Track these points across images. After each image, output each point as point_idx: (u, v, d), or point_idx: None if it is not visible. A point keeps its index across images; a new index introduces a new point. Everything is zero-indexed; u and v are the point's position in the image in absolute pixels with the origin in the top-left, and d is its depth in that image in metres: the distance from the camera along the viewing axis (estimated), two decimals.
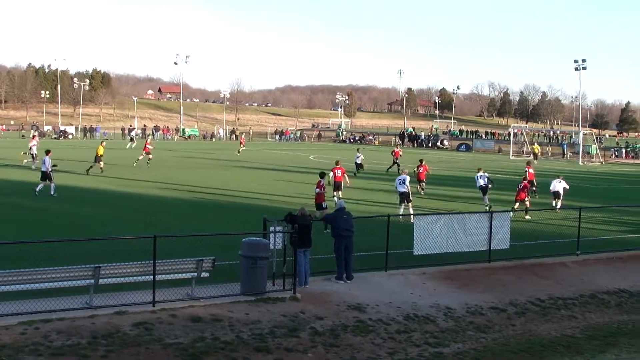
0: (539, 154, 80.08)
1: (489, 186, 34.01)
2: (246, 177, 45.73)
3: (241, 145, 76.50)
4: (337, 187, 33.22)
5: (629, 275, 21.19)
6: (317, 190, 26.44)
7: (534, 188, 36.38)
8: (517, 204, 30.78)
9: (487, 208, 29.48)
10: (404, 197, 29.54)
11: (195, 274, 15.51)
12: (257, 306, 15.33)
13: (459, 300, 17.32)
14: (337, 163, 34.72)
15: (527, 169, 36.37)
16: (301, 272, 17.10)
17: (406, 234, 20.31)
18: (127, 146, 76.78)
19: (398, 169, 43.17)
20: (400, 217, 25.98)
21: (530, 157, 68.20)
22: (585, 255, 22.81)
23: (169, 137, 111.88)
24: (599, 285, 19.72)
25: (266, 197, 34.33)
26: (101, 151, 44.85)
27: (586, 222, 24.78)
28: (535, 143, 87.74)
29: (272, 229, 17.07)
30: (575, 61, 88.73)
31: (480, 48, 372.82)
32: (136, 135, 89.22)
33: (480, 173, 34.19)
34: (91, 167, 44.45)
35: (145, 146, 52.84)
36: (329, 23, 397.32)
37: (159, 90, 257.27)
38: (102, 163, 44.72)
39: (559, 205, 33.09)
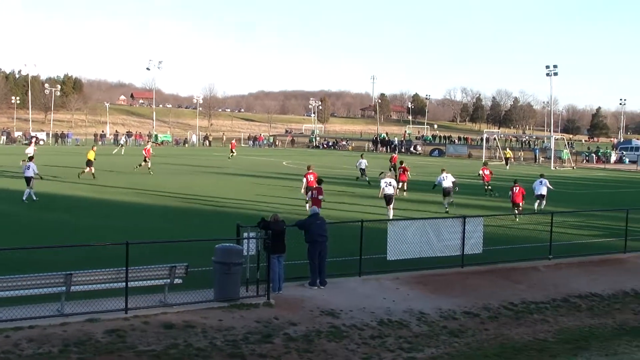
0: (511, 158, 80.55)
1: (455, 189, 35.06)
2: (219, 183, 45.61)
3: (232, 150, 76.45)
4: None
5: (601, 279, 21.39)
6: (321, 197, 28.22)
7: (489, 188, 38.77)
8: (515, 207, 31.55)
9: (446, 211, 30.95)
10: (389, 200, 30.98)
11: (168, 280, 15.45)
12: (230, 312, 15.30)
13: (432, 305, 17.39)
14: (309, 168, 34.98)
15: (482, 171, 36.99)
16: (275, 278, 17.08)
17: (380, 240, 20.35)
18: (115, 152, 76.87)
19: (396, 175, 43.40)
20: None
21: (486, 159, 68.66)
22: (558, 259, 23.00)
23: (142, 143, 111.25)
24: (571, 289, 19.89)
25: (239, 203, 34.25)
26: (92, 156, 44.99)
27: (558, 226, 24.99)
28: (507, 148, 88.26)
29: (245, 234, 17.03)
30: (547, 67, 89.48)
31: (453, 54, 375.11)
32: (125, 141, 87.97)
33: (444, 174, 34.79)
34: (83, 171, 44.61)
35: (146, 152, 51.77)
36: (303, 29, 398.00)
37: (132, 96, 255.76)
38: (93, 168, 44.84)
39: (542, 207, 34.22)
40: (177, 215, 30.28)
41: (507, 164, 76.82)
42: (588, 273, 22.07)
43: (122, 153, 71.42)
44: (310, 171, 34.27)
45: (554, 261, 22.84)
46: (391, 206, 30.96)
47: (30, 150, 50.33)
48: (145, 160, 51.07)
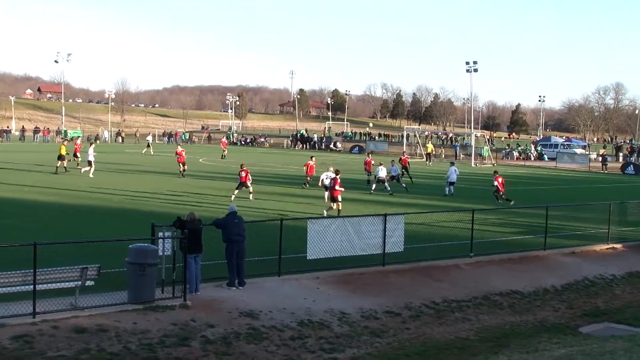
0: (432, 153, 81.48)
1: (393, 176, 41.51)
2: (133, 181, 44.95)
3: (224, 149, 76.26)
4: (241, 186, 35.84)
5: (521, 276, 21.92)
6: (337, 187, 30.87)
7: (503, 197, 39.57)
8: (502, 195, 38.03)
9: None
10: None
11: (79, 282, 15.17)
12: (145, 315, 15.11)
13: (353, 304, 17.52)
14: (242, 166, 36.61)
15: (496, 180, 39.32)
16: (191, 278, 16.95)
17: (299, 239, 20.39)
18: (144, 151, 76.80)
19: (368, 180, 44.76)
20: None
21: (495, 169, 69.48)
22: (479, 257, 23.47)
23: (49, 139, 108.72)
24: (491, 287, 20.33)
25: (154, 202, 33.85)
26: (63, 150, 47.50)
27: (479, 223, 25.45)
28: (429, 142, 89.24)
29: (160, 234, 16.86)
30: (467, 63, 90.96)
31: (374, 49, 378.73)
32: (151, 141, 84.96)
33: (381, 167, 40.86)
34: (60, 167, 46.62)
35: (179, 154, 49.59)
36: (218, 22, 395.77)
37: (39, 89, 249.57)
38: (65, 162, 47.17)
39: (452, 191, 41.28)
40: (89, 215, 29.71)
41: (428, 159, 77.78)
42: (508, 270, 22.60)
43: (152, 153, 66.75)
44: (244, 169, 36.14)
45: (475, 259, 23.30)
46: (339, 202, 31.21)
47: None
48: (75, 156, 50.86)
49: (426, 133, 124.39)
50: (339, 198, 30.98)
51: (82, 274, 15.17)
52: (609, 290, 21.78)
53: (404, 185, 44.04)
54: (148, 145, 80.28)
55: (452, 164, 44.60)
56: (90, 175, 46.07)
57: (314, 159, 42.26)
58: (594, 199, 39.51)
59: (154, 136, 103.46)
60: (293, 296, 17.82)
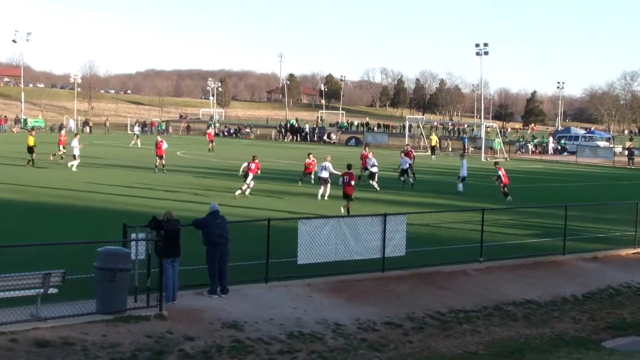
0: (437, 146, 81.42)
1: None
2: (102, 176, 44.89)
3: (210, 141, 75.98)
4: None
5: (536, 283, 21.93)
6: (353, 182, 32.24)
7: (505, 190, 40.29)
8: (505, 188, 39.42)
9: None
10: (324, 183, 36.63)
11: (42, 290, 15.12)
12: (116, 326, 15.08)
13: (349, 314, 17.53)
14: (254, 158, 37.71)
15: (500, 170, 40.18)
16: (168, 285, 16.93)
17: (289, 241, 20.38)
18: (132, 144, 77.11)
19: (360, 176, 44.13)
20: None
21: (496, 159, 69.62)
22: (489, 262, 23.47)
23: (7, 129, 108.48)
24: (504, 296, 20.33)
25: (126, 200, 33.81)
26: (31, 141, 48.51)
27: (490, 225, 25.47)
28: (433, 134, 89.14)
29: (133, 236, 16.82)
30: (477, 45, 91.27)
31: (372, 30, 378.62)
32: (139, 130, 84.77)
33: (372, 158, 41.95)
34: (31, 160, 48.19)
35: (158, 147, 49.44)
36: None
37: None
38: (34, 155, 48.38)
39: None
40: (52, 214, 29.68)
41: (433, 153, 77.78)
42: (523, 277, 22.60)
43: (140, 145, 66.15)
44: (255, 161, 37.22)
45: (485, 264, 23.30)
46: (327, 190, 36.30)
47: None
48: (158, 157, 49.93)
49: (435, 123, 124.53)
50: (352, 196, 32.06)
51: (44, 280, 15.13)
52: (635, 300, 21.78)
53: (411, 180, 44.64)
54: (137, 137, 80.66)
55: (462, 156, 45.47)
56: (74, 169, 46.78)
57: (312, 155, 42.11)
58: (619, 198, 39.57)
59: (128, 125, 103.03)
60: (282, 305, 17.82)
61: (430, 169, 60.33)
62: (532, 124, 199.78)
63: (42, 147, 52.67)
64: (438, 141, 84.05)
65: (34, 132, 51.19)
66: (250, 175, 36.74)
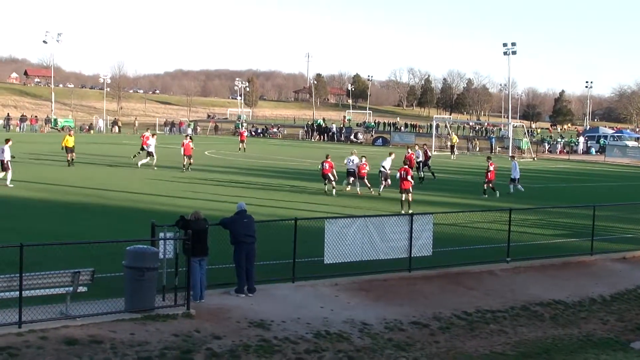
0: (456, 145, 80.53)
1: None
2: (131, 175, 45.13)
3: (242, 141, 74.89)
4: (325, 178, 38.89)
5: (564, 284, 21.80)
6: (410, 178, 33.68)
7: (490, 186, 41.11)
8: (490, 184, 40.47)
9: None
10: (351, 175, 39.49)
11: (71, 288, 15.22)
12: (144, 325, 15.16)
13: (375, 314, 17.50)
14: (327, 157, 39.49)
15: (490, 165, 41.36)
16: (196, 284, 16.98)
17: (316, 240, 20.39)
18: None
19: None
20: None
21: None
22: (516, 262, 23.37)
23: (37, 129, 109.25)
24: (531, 296, 20.23)
25: (155, 199, 33.97)
26: (69, 142, 48.36)
27: (517, 225, 25.36)
28: (453, 133, 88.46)
29: (161, 235, 16.90)
30: (504, 45, 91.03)
31: (399, 30, 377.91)
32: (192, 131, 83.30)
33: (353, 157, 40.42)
34: (72, 160, 48.21)
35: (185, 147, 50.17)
36: None
37: (25, 73, 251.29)
38: (73, 154, 48.53)
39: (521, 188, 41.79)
40: (83, 213, 29.85)
41: (452, 152, 77.30)
42: (550, 277, 22.48)
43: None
44: (328, 160, 38.91)
45: (512, 264, 23.20)
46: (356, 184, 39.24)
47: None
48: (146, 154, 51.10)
49: (456, 123, 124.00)
50: (411, 189, 33.77)
51: (73, 279, 15.22)
52: None
53: (422, 174, 46.13)
54: (190, 138, 78.45)
55: (513, 158, 47.23)
56: (154, 168, 48.69)
57: (329, 157, 40.75)
58: None
59: (157, 125, 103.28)
60: (308, 305, 17.83)
61: (449, 167, 60.14)
62: (552, 125, 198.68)
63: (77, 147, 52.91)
64: (457, 141, 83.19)
65: (72, 132, 51.14)
66: (330, 176, 38.52)
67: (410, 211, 30.26)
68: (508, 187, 42.27)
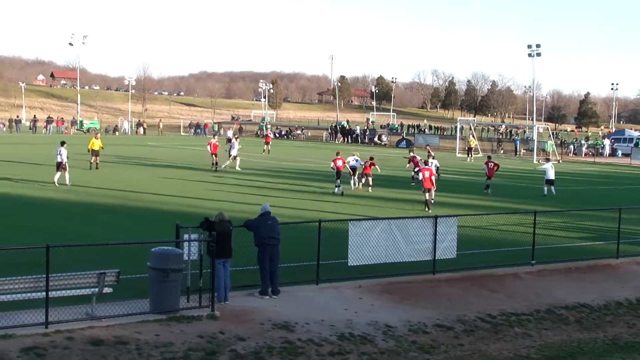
0: (473, 148, 79.70)
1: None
2: (155, 177, 45.30)
3: (267, 143, 74.47)
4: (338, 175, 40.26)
5: (589, 287, 21.68)
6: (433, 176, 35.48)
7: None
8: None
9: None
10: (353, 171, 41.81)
11: (96, 289, 15.30)
12: (169, 326, 15.21)
13: (399, 317, 17.48)
14: (337, 154, 41.34)
15: (485, 165, 43.64)
16: (220, 286, 17.02)
17: (340, 242, 20.38)
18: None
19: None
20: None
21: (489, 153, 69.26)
22: (541, 265, 23.25)
23: (63, 130, 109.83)
24: (556, 299, 20.13)
25: (179, 201, 34.08)
26: (96, 145, 48.22)
27: (542, 227, 25.24)
28: (471, 136, 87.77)
29: (186, 236, 16.95)
30: (529, 46, 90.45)
31: (423, 31, 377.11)
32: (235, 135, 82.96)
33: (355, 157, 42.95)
34: (96, 164, 48.01)
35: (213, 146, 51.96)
36: (248, 1, 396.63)
37: (52, 75, 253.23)
38: (97, 158, 48.39)
39: (553, 192, 41.66)
40: (107, 214, 29.99)
41: (469, 154, 76.82)
42: (575, 280, 22.36)
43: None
44: (339, 157, 40.84)
45: (536, 267, 23.08)
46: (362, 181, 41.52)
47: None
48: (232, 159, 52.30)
49: (480, 126, 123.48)
50: (431, 190, 34.92)
51: (99, 279, 15.30)
52: None
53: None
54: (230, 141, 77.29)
55: (547, 160, 47.67)
56: (237, 167, 50.46)
57: (340, 154, 42.00)
58: None
59: (181, 127, 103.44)
60: (332, 307, 17.82)
61: (464, 170, 59.86)
62: (577, 127, 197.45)
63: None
64: (476, 144, 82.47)
65: (98, 135, 51.15)
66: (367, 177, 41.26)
67: (429, 210, 31.89)
68: (543, 190, 42.22)
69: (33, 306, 14.64)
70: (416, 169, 44.73)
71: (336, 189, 39.20)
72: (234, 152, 51.59)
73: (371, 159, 42.58)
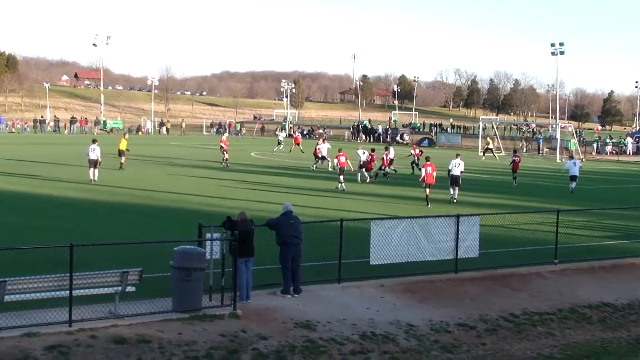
0: (488, 148, 78.71)
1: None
2: (178, 176, 45.41)
3: (297, 144, 73.02)
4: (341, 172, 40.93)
5: (613, 286, 21.54)
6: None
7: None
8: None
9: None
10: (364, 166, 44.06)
11: (120, 288, 15.35)
12: (191, 325, 15.25)
13: (422, 316, 17.44)
14: (340, 151, 42.56)
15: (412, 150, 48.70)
16: (242, 285, 17.04)
17: (362, 242, 20.37)
18: (275, 150, 72.15)
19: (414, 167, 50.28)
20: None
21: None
22: (564, 264, 23.13)
23: (87, 130, 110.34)
24: (579, 299, 20.02)
25: (201, 200, 34.15)
26: (123, 145, 48.29)
27: (565, 226, 25.11)
28: (488, 137, 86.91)
29: (208, 235, 16.98)
30: (552, 45, 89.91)
31: (446, 30, 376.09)
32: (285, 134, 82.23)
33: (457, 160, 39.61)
34: (121, 164, 48.04)
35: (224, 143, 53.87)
36: (271, 1, 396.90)
37: (76, 75, 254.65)
38: (123, 158, 48.35)
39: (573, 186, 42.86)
40: (129, 214, 30.10)
41: (484, 154, 76.21)
42: (599, 280, 22.23)
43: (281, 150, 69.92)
44: (342, 153, 41.79)
45: (559, 266, 22.97)
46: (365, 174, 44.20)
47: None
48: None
49: (502, 124, 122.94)
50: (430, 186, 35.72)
51: (122, 278, 15.36)
52: None
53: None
54: (279, 143, 74.93)
55: (572, 157, 49.58)
56: (329, 168, 50.86)
57: (342, 150, 42.96)
58: None
59: (204, 126, 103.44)
60: (354, 306, 17.81)
61: (477, 168, 59.67)
62: (602, 125, 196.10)
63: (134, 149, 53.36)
64: (492, 144, 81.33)
65: (127, 136, 51.47)
66: (386, 168, 45.66)
67: (429, 206, 34.15)
68: (569, 187, 42.96)
69: (57, 305, 14.72)
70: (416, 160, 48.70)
71: (339, 185, 39.92)
72: (324, 152, 52.38)
73: (372, 151, 45.23)
